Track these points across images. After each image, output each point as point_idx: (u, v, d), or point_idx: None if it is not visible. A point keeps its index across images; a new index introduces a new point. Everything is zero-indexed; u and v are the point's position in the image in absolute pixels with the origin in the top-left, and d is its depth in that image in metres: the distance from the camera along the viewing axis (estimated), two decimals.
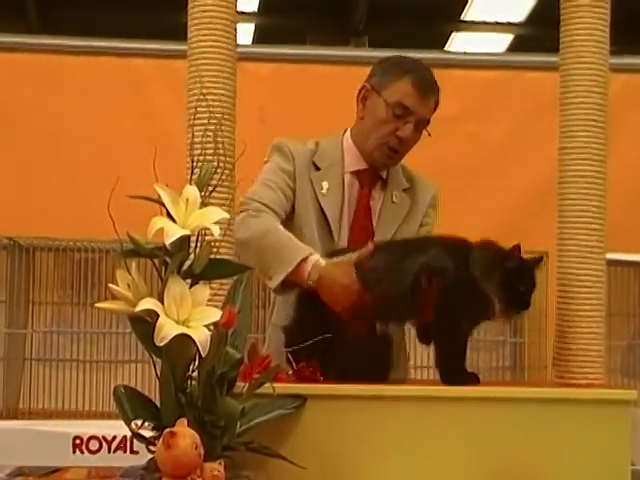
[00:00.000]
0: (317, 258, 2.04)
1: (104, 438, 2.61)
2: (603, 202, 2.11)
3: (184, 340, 1.49)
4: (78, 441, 2.62)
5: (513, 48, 9.03)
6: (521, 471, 1.80)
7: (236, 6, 2.07)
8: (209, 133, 1.79)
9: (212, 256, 1.58)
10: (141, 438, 1.58)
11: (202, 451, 1.48)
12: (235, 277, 1.72)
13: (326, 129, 2.40)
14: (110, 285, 1.57)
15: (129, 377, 3.64)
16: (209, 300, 1.55)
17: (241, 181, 1.99)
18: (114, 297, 1.57)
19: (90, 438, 2.62)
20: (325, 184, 2.28)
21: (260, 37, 8.65)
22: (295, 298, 2.10)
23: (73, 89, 4.04)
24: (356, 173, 2.31)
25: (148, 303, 1.50)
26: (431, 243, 2.01)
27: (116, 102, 4.05)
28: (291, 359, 1.90)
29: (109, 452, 2.61)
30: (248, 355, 1.64)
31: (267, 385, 1.64)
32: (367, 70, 2.34)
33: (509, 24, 8.90)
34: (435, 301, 1.91)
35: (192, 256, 1.57)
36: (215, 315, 1.52)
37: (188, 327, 1.50)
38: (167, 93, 3.95)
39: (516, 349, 3.89)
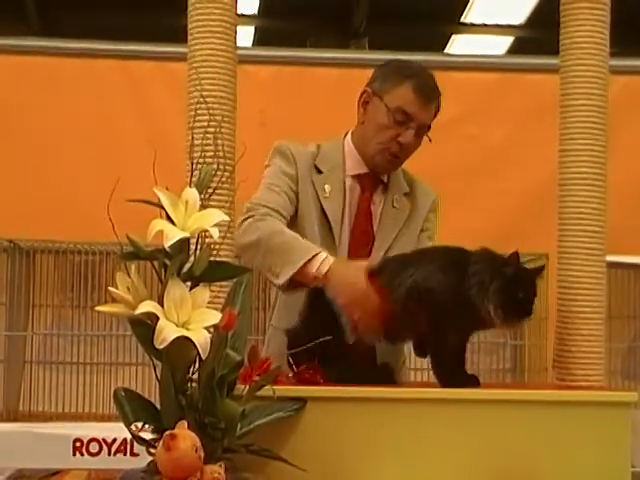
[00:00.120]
0: (327, 255, 2.03)
1: (104, 440, 2.61)
2: (603, 204, 2.12)
3: (184, 342, 1.49)
4: (78, 443, 2.62)
5: (513, 50, 9.03)
6: (522, 473, 1.80)
7: (236, 9, 2.07)
8: (209, 135, 1.79)
9: (212, 258, 1.58)
10: (141, 440, 1.58)
11: (202, 453, 1.48)
12: (235, 279, 1.72)
13: (327, 132, 2.40)
14: (110, 288, 1.57)
15: (129, 379, 3.65)
16: (209, 302, 1.55)
17: (241, 183, 1.99)
18: (114, 300, 1.57)
19: (90, 440, 2.62)
20: (327, 187, 2.27)
21: (260, 40, 8.65)
22: (303, 301, 2.08)
23: (73, 92, 4.04)
24: (357, 177, 2.31)
25: (148, 306, 1.50)
26: (429, 255, 2.00)
27: (116, 104, 4.05)
28: (291, 362, 1.90)
29: (109, 455, 2.60)
30: (248, 357, 1.64)
31: (267, 387, 1.64)
32: (368, 72, 2.34)
33: (509, 26, 8.89)
34: (430, 317, 1.90)
35: (192, 258, 1.57)
36: (215, 317, 1.52)
37: (188, 329, 1.50)
38: (167, 95, 3.95)
39: (516, 351, 3.90)
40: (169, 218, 1.53)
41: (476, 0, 8.29)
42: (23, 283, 3.78)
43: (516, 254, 1.87)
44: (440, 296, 1.88)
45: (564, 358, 2.09)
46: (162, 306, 1.50)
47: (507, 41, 9.19)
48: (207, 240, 1.59)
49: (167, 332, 1.47)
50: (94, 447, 2.62)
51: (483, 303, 1.86)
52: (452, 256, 1.94)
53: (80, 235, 3.73)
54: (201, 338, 1.49)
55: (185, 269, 1.56)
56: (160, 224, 1.51)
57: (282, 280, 2.03)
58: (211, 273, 1.58)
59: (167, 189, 1.54)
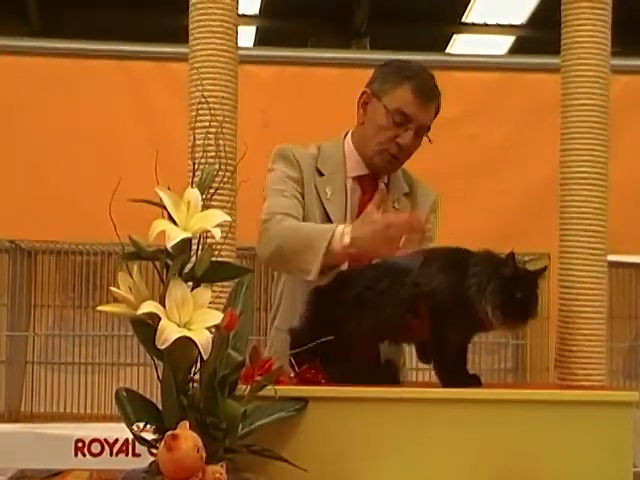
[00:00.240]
0: (342, 227, 2.05)
1: (106, 441, 2.61)
2: (604, 204, 2.11)
3: (186, 343, 1.49)
4: (80, 444, 2.62)
5: (514, 50, 9.03)
6: (523, 473, 1.80)
7: (237, 9, 2.07)
8: (210, 136, 1.79)
9: (213, 259, 1.58)
10: (143, 441, 1.58)
11: (204, 454, 1.48)
12: (236, 280, 1.72)
13: (328, 131, 2.40)
14: (112, 288, 1.57)
15: (131, 380, 3.64)
16: (210, 303, 1.55)
17: (243, 184, 1.99)
18: (116, 300, 1.57)
19: (92, 441, 2.62)
20: (329, 189, 2.28)
21: (262, 40, 8.65)
22: (305, 301, 2.08)
23: (74, 92, 4.04)
24: (358, 179, 2.31)
25: (150, 306, 1.50)
26: (429, 257, 2.00)
27: (116, 105, 4.05)
28: (293, 362, 1.90)
29: (111, 455, 2.60)
30: (250, 357, 1.64)
31: (269, 387, 1.64)
32: (369, 72, 2.34)
33: (510, 26, 8.90)
34: (431, 317, 1.89)
35: (193, 259, 1.57)
36: (217, 318, 1.52)
37: (190, 330, 1.50)
38: (167, 95, 3.96)
39: (518, 351, 3.90)
40: (171, 218, 1.53)
41: (477, 0, 8.29)
42: (24, 284, 3.78)
43: (512, 254, 1.85)
44: (441, 296, 1.88)
45: (565, 358, 2.09)
46: (164, 306, 1.50)
47: (508, 41, 9.19)
48: (209, 240, 1.59)
49: (169, 332, 1.47)
50: (96, 447, 2.62)
51: (481, 304, 1.85)
52: (454, 257, 1.94)
53: (81, 235, 3.73)
54: (203, 338, 1.49)
55: (187, 269, 1.56)
56: (162, 224, 1.51)
57: (315, 274, 2.05)
58: (213, 273, 1.58)
59: (168, 189, 1.55)
